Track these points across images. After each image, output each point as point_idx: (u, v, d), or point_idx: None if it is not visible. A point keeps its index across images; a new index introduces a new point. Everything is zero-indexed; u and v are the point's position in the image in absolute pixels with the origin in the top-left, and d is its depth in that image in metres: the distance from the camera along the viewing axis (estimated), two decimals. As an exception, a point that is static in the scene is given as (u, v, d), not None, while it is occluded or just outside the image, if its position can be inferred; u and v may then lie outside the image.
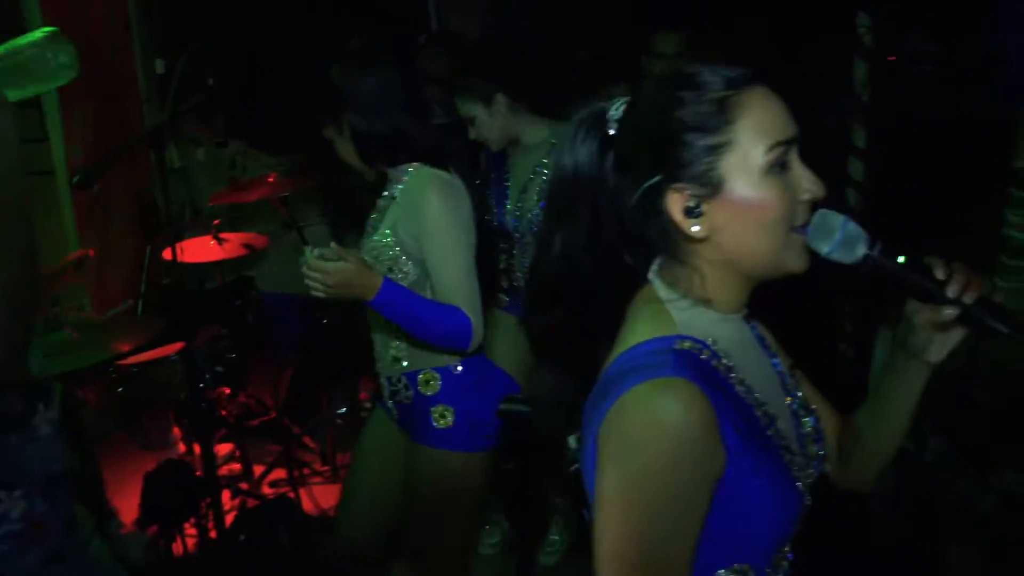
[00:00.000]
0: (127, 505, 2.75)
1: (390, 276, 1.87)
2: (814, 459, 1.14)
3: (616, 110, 1.08)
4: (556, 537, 2.90)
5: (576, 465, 1.07)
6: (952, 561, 2.27)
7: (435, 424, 1.96)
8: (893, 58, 5.38)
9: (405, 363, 1.99)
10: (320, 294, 1.82)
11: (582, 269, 1.09)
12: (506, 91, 2.42)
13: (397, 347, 1.99)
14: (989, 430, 2.24)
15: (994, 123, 2.61)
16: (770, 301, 1.12)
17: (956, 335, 1.06)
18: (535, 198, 2.51)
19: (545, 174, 2.49)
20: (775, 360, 1.18)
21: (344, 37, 1.98)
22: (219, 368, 3.12)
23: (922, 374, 1.11)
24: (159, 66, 3.48)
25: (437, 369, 1.97)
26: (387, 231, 1.93)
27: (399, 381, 2.00)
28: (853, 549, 2.50)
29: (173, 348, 2.96)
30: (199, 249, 3.26)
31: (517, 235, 2.51)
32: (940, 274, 0.98)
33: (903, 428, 1.17)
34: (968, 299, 0.98)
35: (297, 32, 3.81)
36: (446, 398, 1.96)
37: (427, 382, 1.97)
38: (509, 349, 2.31)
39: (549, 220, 1.12)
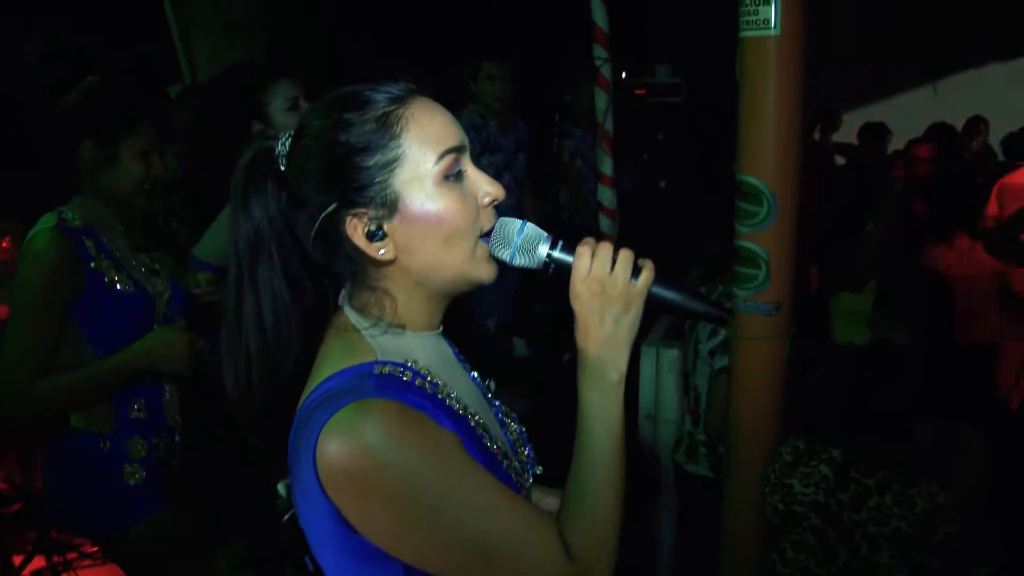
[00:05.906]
0: None
1: None
2: (527, 462, 1.16)
3: (283, 145, 1.02)
4: None
5: (290, 513, 1.01)
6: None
7: None
8: (642, 92, 5.83)
9: None
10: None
11: (281, 323, 1.01)
12: None
13: None
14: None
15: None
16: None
17: None
18: None
19: None
20: (473, 373, 1.19)
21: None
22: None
23: None
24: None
25: None
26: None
27: None
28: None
29: None
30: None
31: None
32: (585, 256, 0.99)
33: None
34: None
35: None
36: None
37: None
38: None
39: (235, 286, 1.01)
